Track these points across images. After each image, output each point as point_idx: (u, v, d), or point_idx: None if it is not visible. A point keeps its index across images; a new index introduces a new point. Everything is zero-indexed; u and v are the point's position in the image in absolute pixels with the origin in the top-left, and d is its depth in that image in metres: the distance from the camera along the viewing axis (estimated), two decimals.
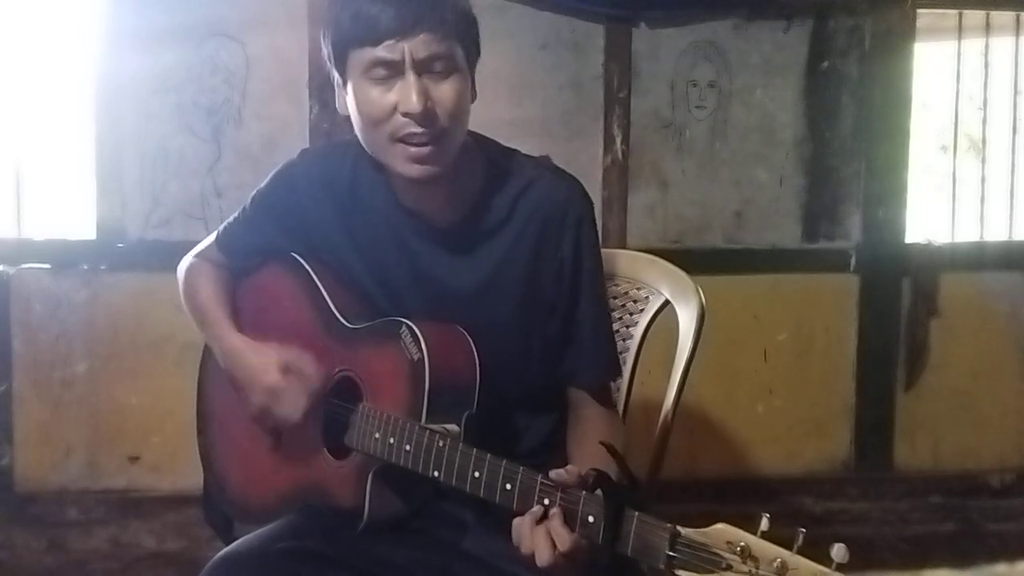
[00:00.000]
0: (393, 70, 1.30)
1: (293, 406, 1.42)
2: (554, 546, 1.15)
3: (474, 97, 1.41)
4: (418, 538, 1.43)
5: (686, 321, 1.64)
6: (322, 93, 2.74)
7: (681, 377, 1.61)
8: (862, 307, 3.06)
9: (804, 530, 1.02)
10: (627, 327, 1.72)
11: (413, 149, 1.32)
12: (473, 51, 1.38)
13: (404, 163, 1.34)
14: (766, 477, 3.03)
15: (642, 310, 1.72)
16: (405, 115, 1.30)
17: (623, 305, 1.75)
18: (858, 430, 3.09)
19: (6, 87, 2.82)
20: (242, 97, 2.77)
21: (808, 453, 3.08)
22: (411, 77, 1.29)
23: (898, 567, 2.81)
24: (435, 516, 1.43)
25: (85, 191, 2.80)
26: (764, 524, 1.04)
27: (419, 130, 1.31)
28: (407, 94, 1.29)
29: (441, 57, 1.31)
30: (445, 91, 1.32)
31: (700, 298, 1.63)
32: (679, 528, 1.08)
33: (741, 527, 1.06)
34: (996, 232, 3.21)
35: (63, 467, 2.81)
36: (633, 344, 1.71)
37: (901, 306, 3.07)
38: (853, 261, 3.02)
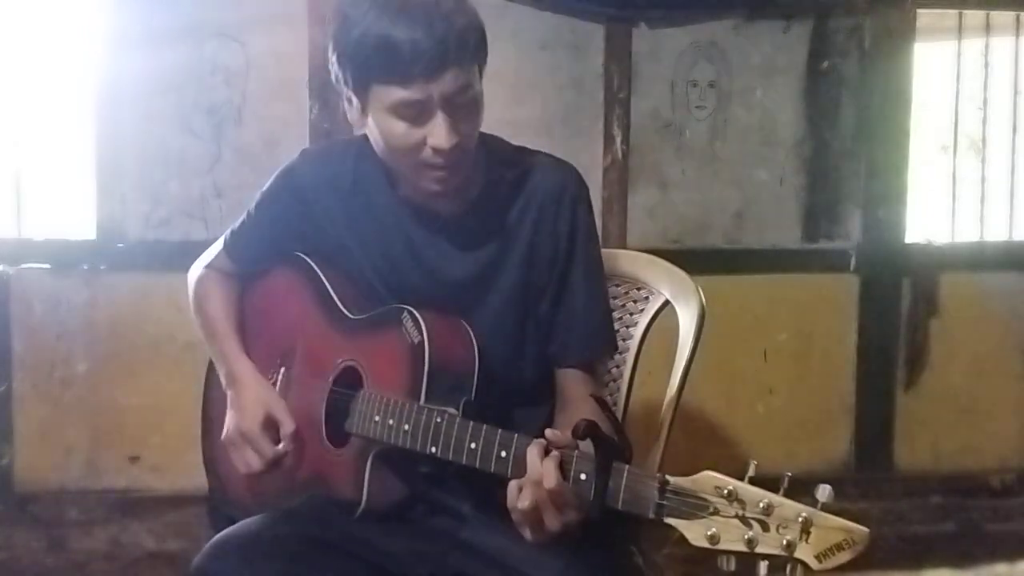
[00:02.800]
0: (421, 107, 1.31)
1: (247, 462, 1.48)
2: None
3: None
4: (416, 528, 1.44)
5: (686, 321, 1.63)
6: (322, 93, 2.73)
7: (681, 377, 1.60)
8: (862, 307, 3.06)
9: (790, 474, 1.05)
10: (627, 327, 1.72)
11: (438, 173, 1.36)
12: (484, 62, 1.40)
13: (428, 182, 1.38)
14: (766, 477, 3.02)
15: (642, 310, 1.72)
16: (435, 150, 1.33)
17: (623, 305, 1.75)
18: (858, 430, 3.08)
19: (7, 87, 2.82)
20: (242, 97, 2.76)
21: (808, 453, 3.08)
22: (440, 116, 1.31)
23: (898, 567, 2.80)
24: (433, 507, 1.45)
25: (85, 191, 2.80)
26: (751, 470, 1.08)
27: (446, 161, 1.34)
28: (439, 133, 1.32)
29: (466, 87, 1.33)
30: (470, 122, 1.35)
31: (700, 298, 1.63)
32: (668, 477, 1.10)
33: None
34: (996, 232, 3.21)
35: (63, 467, 2.80)
36: (633, 344, 1.71)
37: (901, 306, 3.07)
38: (853, 261, 3.02)
